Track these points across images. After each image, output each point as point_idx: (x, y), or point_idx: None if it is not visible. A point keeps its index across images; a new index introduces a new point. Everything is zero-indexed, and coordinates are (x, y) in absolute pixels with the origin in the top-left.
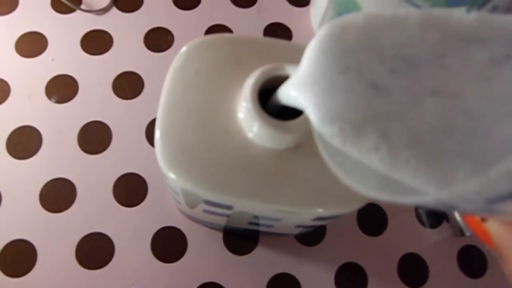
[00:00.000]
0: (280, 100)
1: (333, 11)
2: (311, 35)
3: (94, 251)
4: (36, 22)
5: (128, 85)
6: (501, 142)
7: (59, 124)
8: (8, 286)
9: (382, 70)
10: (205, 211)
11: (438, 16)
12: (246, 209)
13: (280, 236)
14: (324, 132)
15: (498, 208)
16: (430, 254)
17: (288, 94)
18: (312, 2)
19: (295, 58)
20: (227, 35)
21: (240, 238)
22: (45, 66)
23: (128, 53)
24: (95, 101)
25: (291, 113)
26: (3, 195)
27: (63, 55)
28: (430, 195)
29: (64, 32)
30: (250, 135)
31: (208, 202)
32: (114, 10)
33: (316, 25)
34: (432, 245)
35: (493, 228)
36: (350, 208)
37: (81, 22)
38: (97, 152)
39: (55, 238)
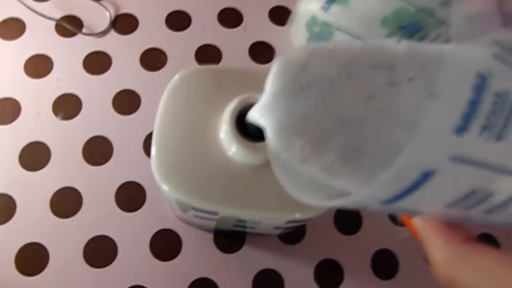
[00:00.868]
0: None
1: (308, 32)
2: None
3: (100, 251)
4: (42, 45)
5: (127, 102)
6: (385, 147)
7: (66, 139)
8: (24, 284)
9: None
10: (196, 216)
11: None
12: (229, 214)
13: (264, 236)
14: (274, 147)
15: (395, 207)
16: (401, 249)
17: (252, 117)
18: (292, 21)
19: None
20: (212, 66)
21: (229, 238)
22: (52, 86)
23: (126, 72)
24: (98, 117)
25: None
26: (17, 203)
27: (68, 75)
28: (349, 197)
29: (68, 54)
30: (230, 153)
31: (196, 209)
32: (112, 32)
33: (296, 43)
34: (403, 241)
35: (417, 223)
36: (315, 213)
37: (83, 45)
38: (100, 164)
39: (65, 240)
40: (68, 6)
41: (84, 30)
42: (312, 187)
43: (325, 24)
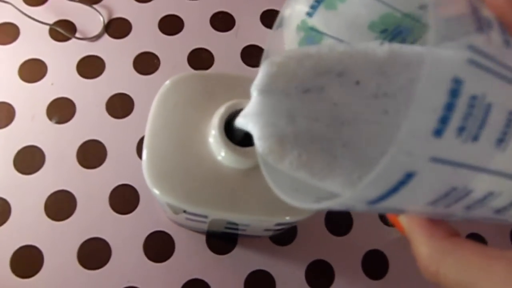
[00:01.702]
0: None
1: (298, 35)
2: None
3: (94, 253)
4: (36, 50)
5: (120, 106)
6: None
7: (60, 143)
8: (19, 286)
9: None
10: (187, 219)
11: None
12: (219, 217)
13: (256, 238)
14: (260, 150)
15: (380, 206)
16: (391, 249)
17: (239, 123)
18: (277, 26)
19: None
20: (203, 72)
21: (221, 240)
22: (46, 90)
23: (119, 76)
24: (91, 120)
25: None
26: (12, 207)
27: (62, 79)
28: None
29: (62, 59)
30: (219, 157)
31: (187, 212)
32: (106, 37)
33: (287, 46)
34: (393, 241)
35: (403, 220)
36: (303, 215)
37: (76, 49)
38: (94, 167)
39: (59, 243)
40: (61, 11)
41: (77, 34)
42: (300, 190)
43: (313, 29)
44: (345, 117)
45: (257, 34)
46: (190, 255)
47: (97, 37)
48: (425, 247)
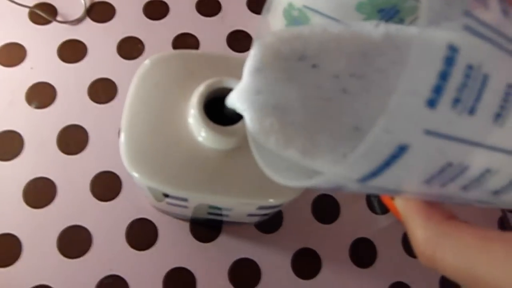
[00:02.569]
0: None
1: (285, 19)
2: None
3: (74, 242)
4: (15, 33)
5: (102, 91)
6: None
7: (40, 128)
8: None
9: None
10: (168, 203)
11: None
12: (199, 200)
13: (241, 225)
14: (252, 130)
15: (372, 185)
16: (379, 237)
17: (231, 102)
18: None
19: (239, 71)
20: (183, 51)
21: (205, 227)
22: (25, 74)
23: (102, 61)
24: (73, 106)
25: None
26: None
27: (42, 63)
28: (323, 175)
29: (42, 42)
30: (199, 138)
31: (167, 196)
32: (88, 20)
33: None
34: (381, 230)
35: (399, 203)
36: (286, 198)
37: (57, 33)
38: (75, 153)
39: (38, 231)
40: None
41: (58, 17)
42: (291, 169)
43: (302, 9)
44: (335, 94)
45: (243, 20)
46: (174, 243)
47: (79, 20)
48: (421, 231)
